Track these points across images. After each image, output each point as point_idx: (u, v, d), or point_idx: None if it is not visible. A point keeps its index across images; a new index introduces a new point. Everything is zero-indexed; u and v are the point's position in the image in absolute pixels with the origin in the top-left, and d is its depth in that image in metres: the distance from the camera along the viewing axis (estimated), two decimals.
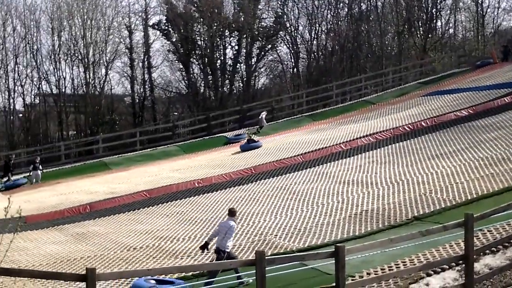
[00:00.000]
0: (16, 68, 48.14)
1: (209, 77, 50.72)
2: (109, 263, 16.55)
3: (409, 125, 29.60)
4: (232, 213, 14.19)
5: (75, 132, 49.57)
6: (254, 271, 10.05)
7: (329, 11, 55.09)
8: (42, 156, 42.09)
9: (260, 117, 39.75)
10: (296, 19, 54.70)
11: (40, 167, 33.95)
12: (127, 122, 51.09)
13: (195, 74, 51.69)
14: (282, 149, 30.91)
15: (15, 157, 42.43)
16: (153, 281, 12.86)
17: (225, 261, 12.93)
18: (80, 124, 49.01)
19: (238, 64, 52.21)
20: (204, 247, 14.10)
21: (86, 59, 48.70)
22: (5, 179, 33.77)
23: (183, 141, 41.46)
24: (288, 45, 54.90)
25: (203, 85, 51.50)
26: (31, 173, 33.57)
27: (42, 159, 35.95)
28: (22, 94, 48.72)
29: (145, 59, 51.20)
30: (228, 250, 13.79)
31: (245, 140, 33.73)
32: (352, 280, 11.93)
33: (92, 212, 24.14)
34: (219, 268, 13.42)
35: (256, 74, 54.04)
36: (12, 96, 47.97)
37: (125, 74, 51.19)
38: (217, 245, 13.73)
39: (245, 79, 52.63)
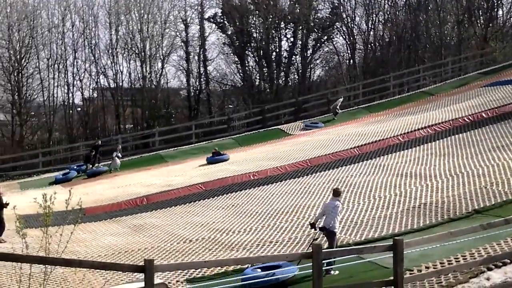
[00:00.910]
0: (75, 63, 49.11)
1: (264, 69, 50.58)
2: (165, 254, 16.66)
3: (469, 116, 28.87)
4: (336, 193, 14.23)
5: (132, 125, 50.18)
6: (311, 263, 9.92)
7: (386, 1, 54.22)
8: (100, 149, 42.88)
9: (335, 104, 39.57)
10: (352, 10, 54.01)
11: (120, 155, 34.99)
12: (183, 115, 51.45)
13: (250, 67, 51.66)
14: (338, 142, 30.57)
15: (74, 150, 43.42)
16: (259, 270, 12.79)
17: (282, 253, 12.84)
18: (136, 118, 49.58)
19: (294, 56, 51.92)
20: (312, 227, 14.16)
21: (142, 53, 49.24)
22: (89, 166, 34.79)
23: (238, 134, 41.52)
24: (344, 36, 54.32)
25: (258, 77, 51.40)
26: (112, 160, 34.49)
27: (102, 151, 36.53)
28: (80, 88, 49.66)
29: (201, 52, 51.44)
30: (336, 230, 13.91)
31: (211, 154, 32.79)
32: (411, 274, 11.69)
33: (149, 205, 24.41)
34: (274, 261, 13.34)
35: (311, 66, 53.62)
36: (71, 90, 48.95)
37: (181, 68, 51.57)
38: (323, 225, 13.76)
39: (300, 71, 52.30)
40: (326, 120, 39.46)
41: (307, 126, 38.23)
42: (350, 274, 12.92)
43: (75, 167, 35.67)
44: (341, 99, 40.21)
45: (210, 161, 31.67)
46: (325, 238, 13.92)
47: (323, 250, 10.40)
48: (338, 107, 39.33)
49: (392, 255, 10.50)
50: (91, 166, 34.72)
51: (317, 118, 40.83)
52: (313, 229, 14.37)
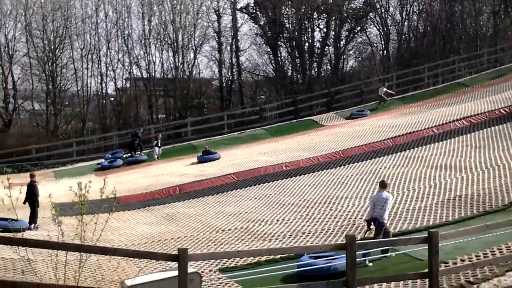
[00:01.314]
0: (108, 53, 49.36)
1: (296, 60, 50.32)
2: (198, 244, 16.69)
3: (505, 108, 28.41)
4: (384, 184, 14.39)
5: (164, 115, 50.37)
6: (344, 255, 9.83)
7: None
8: (140, 137, 43.20)
9: (379, 93, 39.31)
10: (386, 0, 53.40)
11: (159, 143, 35.24)
12: (215, 105, 51.49)
13: (282, 57, 51.41)
14: (372, 133, 30.33)
15: (107, 140, 43.81)
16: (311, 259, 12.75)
17: (315, 245, 12.78)
18: (169, 108, 49.74)
19: (326, 47, 51.50)
20: (368, 224, 14.18)
21: (175, 44, 49.33)
22: (138, 152, 35.31)
23: (270, 125, 41.47)
24: (378, 27, 53.67)
25: (290, 68, 51.15)
26: (153, 149, 34.78)
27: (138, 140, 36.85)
28: (113, 79, 49.93)
29: (233, 43, 51.33)
30: (386, 222, 13.97)
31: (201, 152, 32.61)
32: (445, 266, 11.57)
33: (182, 194, 24.51)
34: (308, 251, 13.29)
35: (344, 56, 53.14)
36: (104, 80, 49.23)
37: (213, 58, 51.55)
38: (374, 216, 13.84)
39: (333, 61, 51.90)
40: (373, 108, 39.28)
41: (353, 115, 38.17)
42: (384, 266, 12.84)
43: (109, 155, 36.06)
44: (383, 87, 39.81)
45: (200, 160, 31.39)
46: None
47: (356, 242, 10.31)
48: (384, 95, 39.04)
49: (426, 247, 10.38)
50: (135, 153, 35.20)
51: (362, 106, 40.62)
52: (366, 225, 14.42)
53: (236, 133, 40.18)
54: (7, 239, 8.70)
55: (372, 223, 13.98)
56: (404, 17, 52.99)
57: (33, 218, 19.74)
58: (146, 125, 45.86)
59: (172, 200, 23.74)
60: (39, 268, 11.92)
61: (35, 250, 8.86)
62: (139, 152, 35.42)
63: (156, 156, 34.52)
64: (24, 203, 19.16)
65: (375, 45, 55.01)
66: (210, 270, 14.07)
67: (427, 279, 10.25)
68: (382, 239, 13.36)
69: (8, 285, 9.21)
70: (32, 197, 19.58)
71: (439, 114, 31.63)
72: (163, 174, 29.42)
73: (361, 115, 37.69)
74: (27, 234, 15.61)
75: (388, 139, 27.76)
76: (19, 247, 8.30)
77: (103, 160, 35.47)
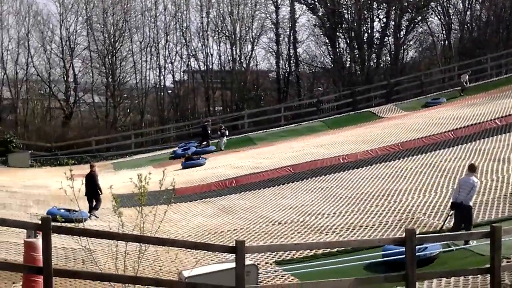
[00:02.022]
0: (167, 46, 49.86)
1: (355, 51, 49.68)
2: (254, 236, 16.67)
3: None
4: (473, 168, 14.22)
5: (221, 107, 50.62)
6: (404, 249, 9.63)
7: None
8: (190, 131, 43.65)
9: (462, 80, 38.70)
10: None
11: (227, 132, 35.91)
12: (272, 97, 51.38)
13: (341, 48, 50.84)
14: (431, 125, 29.72)
15: (165, 132, 44.31)
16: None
17: (373, 238, 12.57)
18: (226, 100, 49.94)
19: (386, 37, 50.61)
20: (452, 207, 14.01)
21: (233, 36, 49.44)
22: (204, 143, 35.92)
23: (327, 117, 41.18)
24: (439, 16, 52.44)
25: (349, 59, 50.57)
26: (218, 140, 35.24)
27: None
28: (171, 71, 50.45)
29: (291, 34, 51.02)
30: (471, 205, 13.86)
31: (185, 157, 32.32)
32: (508, 262, 11.23)
33: (238, 186, 24.54)
34: (366, 245, 13.10)
35: (404, 47, 52.14)
36: (163, 73, 49.81)
37: (271, 50, 51.46)
38: (459, 200, 13.65)
39: (393, 52, 51.01)
40: (451, 96, 38.64)
41: (428, 103, 37.64)
42: (444, 260, 12.55)
43: (184, 144, 36.60)
44: (466, 75, 39.01)
45: (185, 166, 30.94)
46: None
47: (416, 236, 10.08)
48: (465, 82, 38.34)
49: (488, 242, 10.07)
50: (208, 142, 35.79)
51: (436, 94, 39.94)
52: (451, 209, 14.19)
53: (293, 125, 40.07)
54: (68, 229, 8.84)
55: (454, 208, 13.75)
56: (466, 6, 51.69)
57: (95, 206, 20.23)
58: (202, 117, 46.17)
59: (228, 192, 23.81)
60: (99, 258, 12.11)
61: (95, 240, 8.99)
62: (205, 143, 35.76)
63: (222, 146, 34.84)
64: (86, 195, 19.56)
65: (436, 35, 53.84)
66: (266, 263, 14.03)
67: (489, 275, 9.96)
68: (444, 234, 13.06)
69: (70, 273, 9.36)
70: (94, 187, 19.95)
71: (502, 105, 30.75)
72: (219, 166, 29.55)
73: (436, 103, 36.98)
74: (87, 225, 15.87)
75: (449, 131, 27.18)
76: (80, 237, 8.41)
77: (177, 148, 36.11)
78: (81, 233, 8.44)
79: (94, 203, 20.27)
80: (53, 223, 7.78)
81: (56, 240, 14.27)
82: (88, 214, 19.26)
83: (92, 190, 19.93)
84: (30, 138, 42.17)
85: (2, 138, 39.43)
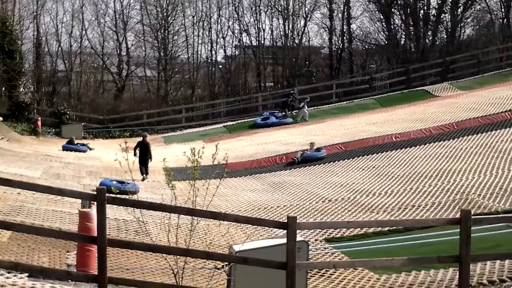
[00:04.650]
0: (219, 21, 49.83)
1: (410, 28, 48.61)
2: (304, 213, 16.58)
3: None
4: None
5: (272, 83, 50.41)
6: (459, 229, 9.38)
7: None
8: (241, 106, 43.66)
9: None
10: None
11: (306, 106, 35.84)
12: (324, 74, 50.86)
13: (395, 25, 49.84)
14: (488, 105, 28.96)
15: (215, 107, 44.43)
16: None
17: (426, 218, 12.34)
18: (277, 76, 49.68)
19: (443, 14, 49.35)
20: None
21: (285, 11, 49.05)
22: (282, 113, 36.28)
23: (380, 94, 40.61)
24: None
25: (403, 36, 49.56)
26: (299, 111, 35.38)
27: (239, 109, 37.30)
28: (223, 46, 50.47)
29: (345, 10, 50.27)
30: None
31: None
32: None
33: (288, 163, 24.43)
34: (419, 225, 12.87)
35: (461, 24, 50.76)
36: (214, 48, 49.84)
37: (324, 26, 50.87)
38: None
39: (449, 30, 49.72)
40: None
41: None
42: (498, 242, 12.23)
43: (267, 114, 36.76)
44: None
45: (65, 149, 30.05)
46: None
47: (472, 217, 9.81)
48: None
49: None
50: (288, 111, 36.03)
51: (492, 74, 38.84)
52: None
53: (344, 102, 39.67)
54: (122, 200, 8.89)
55: None
56: None
57: (146, 170, 22.13)
58: (253, 93, 46.15)
59: (278, 168, 23.75)
60: (151, 230, 12.20)
61: (146, 212, 9.04)
62: (289, 112, 36.10)
63: (303, 117, 34.95)
64: (140, 160, 21.26)
65: (494, 12, 52.20)
66: (316, 240, 13.94)
67: None
68: (500, 215, 12.71)
69: (123, 244, 9.45)
70: (147, 152, 21.72)
71: None
72: (269, 142, 29.48)
73: None
74: (139, 197, 16.02)
75: (506, 111, 26.41)
76: (134, 208, 8.45)
77: (257, 118, 36.55)
78: (134, 205, 8.48)
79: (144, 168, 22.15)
80: (107, 194, 7.82)
81: (109, 211, 14.26)
82: (139, 187, 19.46)
83: (145, 156, 21.64)
84: (83, 110, 42.87)
85: (56, 109, 40.22)
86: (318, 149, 23.92)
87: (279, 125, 34.35)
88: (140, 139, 23.10)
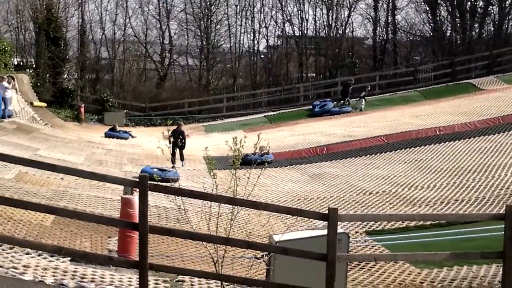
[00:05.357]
0: (262, 10, 49.61)
1: (456, 19, 47.74)
2: (344, 205, 16.47)
3: None
4: None
5: (314, 74, 50.09)
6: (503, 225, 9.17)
7: None
8: (282, 97, 43.55)
9: None
10: None
11: (366, 95, 36.01)
12: (367, 65, 50.36)
13: (441, 17, 48.98)
14: None
15: (256, 97, 44.39)
16: None
17: (470, 213, 12.10)
18: (319, 67, 49.32)
19: (490, 6, 48.37)
20: None
21: (329, 1, 48.61)
22: (341, 102, 36.42)
23: (424, 87, 40.07)
24: None
25: (449, 28, 48.69)
26: (357, 99, 35.39)
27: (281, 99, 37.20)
28: (266, 36, 50.29)
29: (390, 1, 49.54)
30: None
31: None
32: None
33: (329, 154, 24.32)
34: (463, 220, 12.63)
35: (509, 17, 49.69)
36: (257, 37, 49.70)
37: (368, 16, 50.32)
38: None
39: (496, 22, 48.74)
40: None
41: None
42: None
43: (318, 102, 36.80)
44: None
45: (107, 135, 30.48)
46: None
47: None
48: None
49: None
50: (348, 100, 36.05)
51: None
52: None
53: (387, 94, 39.26)
54: (163, 187, 8.91)
55: None
56: None
57: (182, 157, 22.27)
58: (295, 83, 45.96)
59: (319, 159, 23.63)
60: (192, 218, 12.24)
61: (187, 201, 9.05)
62: (342, 102, 36.05)
63: (360, 107, 34.87)
64: (177, 146, 21.10)
65: None
66: (356, 232, 13.84)
67: None
68: None
69: (164, 231, 9.50)
70: (182, 139, 21.34)
71: None
72: (310, 133, 29.35)
73: None
74: (179, 185, 16.11)
75: None
76: (175, 196, 8.46)
77: (311, 106, 36.68)
78: (176, 192, 8.48)
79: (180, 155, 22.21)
80: (149, 181, 7.84)
81: (149, 198, 14.44)
82: (180, 175, 19.59)
83: (181, 143, 21.37)
84: (126, 98, 43.24)
85: (99, 97, 40.68)
86: (265, 153, 22.68)
87: (338, 114, 34.23)
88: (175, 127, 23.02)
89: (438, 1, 48.31)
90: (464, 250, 10.88)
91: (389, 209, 15.71)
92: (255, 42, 49.59)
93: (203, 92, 44.59)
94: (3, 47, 32.94)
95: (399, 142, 24.21)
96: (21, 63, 40.91)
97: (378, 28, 49.82)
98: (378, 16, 49.43)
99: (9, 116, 27.92)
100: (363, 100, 35.34)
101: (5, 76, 29.22)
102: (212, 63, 47.97)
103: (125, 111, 39.25)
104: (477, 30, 48.17)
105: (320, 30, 49.35)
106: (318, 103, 36.66)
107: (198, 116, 40.92)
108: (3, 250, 9.43)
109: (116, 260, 9.15)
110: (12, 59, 37.26)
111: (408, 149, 23.10)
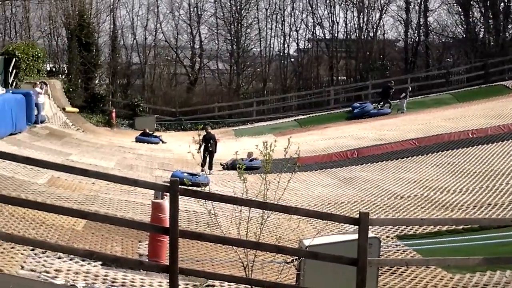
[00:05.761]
0: (292, 13, 49.61)
1: (490, 21, 47.11)
2: (375, 209, 16.31)
3: None
4: None
5: (345, 77, 49.87)
6: None
7: None
8: (312, 100, 43.45)
9: None
10: None
11: (407, 96, 35.81)
12: (398, 68, 49.95)
13: (474, 18, 48.39)
14: None
15: (286, 100, 44.33)
16: None
17: (505, 218, 11.91)
18: (350, 70, 49.09)
19: None
20: None
21: (360, 3, 48.35)
22: (381, 104, 36.39)
23: (456, 89, 39.63)
24: None
25: (482, 30, 48.07)
26: (399, 101, 35.40)
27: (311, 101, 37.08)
28: (296, 39, 50.22)
29: (422, 2, 49.13)
30: None
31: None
32: None
33: (360, 158, 24.17)
34: (496, 224, 12.44)
35: None
36: (287, 41, 49.67)
37: (400, 18, 49.93)
38: None
39: None
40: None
41: None
42: None
43: (358, 104, 36.94)
44: None
45: (138, 140, 30.73)
46: None
47: None
48: None
49: None
50: (389, 102, 35.99)
51: None
52: None
53: (419, 97, 38.91)
54: (194, 192, 8.94)
55: None
56: None
57: (210, 165, 21.74)
58: (325, 86, 45.80)
59: (349, 163, 23.47)
60: (222, 222, 12.26)
61: (216, 205, 9.07)
62: (380, 104, 36.00)
63: (401, 109, 34.71)
64: (208, 152, 21.06)
65: None
66: (387, 236, 13.68)
67: None
68: None
69: (195, 235, 9.54)
70: (214, 144, 21.45)
71: None
72: (341, 137, 29.22)
73: None
74: (209, 189, 16.15)
75: None
76: (205, 201, 8.48)
77: (350, 108, 36.79)
78: (206, 197, 8.52)
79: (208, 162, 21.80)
80: (179, 186, 7.88)
81: (179, 202, 14.54)
82: (210, 179, 19.63)
83: (212, 148, 21.42)
84: (156, 103, 43.59)
85: (130, 101, 41.06)
86: (253, 159, 22.11)
87: (378, 116, 34.08)
88: (204, 133, 22.24)
89: (471, 2, 47.74)
90: (497, 255, 10.71)
91: (420, 213, 15.53)
92: (285, 45, 49.67)
93: (233, 96, 44.70)
94: (36, 53, 33.43)
95: (431, 146, 23.94)
96: (54, 69, 41.47)
97: (410, 30, 49.43)
98: (409, 18, 49.04)
99: (42, 122, 28.30)
100: (405, 101, 35.02)
101: (38, 82, 29.66)
102: (242, 67, 48.07)
103: (155, 115, 39.55)
104: (510, 31, 47.48)
105: (351, 33, 49.18)
106: (358, 104, 36.54)
107: (228, 120, 41.05)
108: (35, 254, 9.55)
109: (146, 264, 9.19)
110: (45, 65, 37.78)
111: (440, 152, 22.82)
